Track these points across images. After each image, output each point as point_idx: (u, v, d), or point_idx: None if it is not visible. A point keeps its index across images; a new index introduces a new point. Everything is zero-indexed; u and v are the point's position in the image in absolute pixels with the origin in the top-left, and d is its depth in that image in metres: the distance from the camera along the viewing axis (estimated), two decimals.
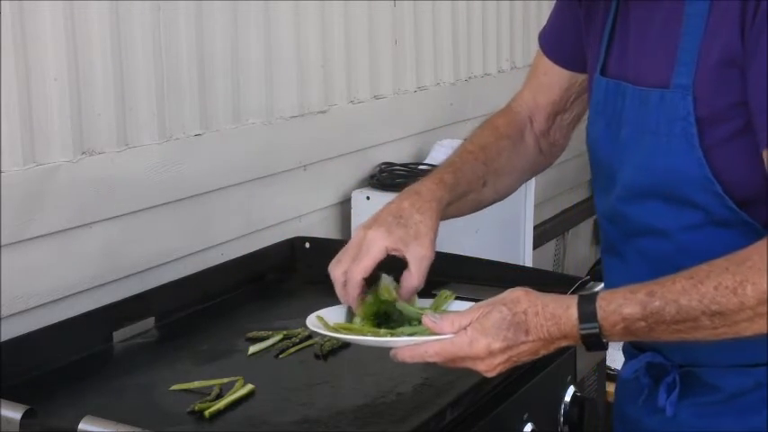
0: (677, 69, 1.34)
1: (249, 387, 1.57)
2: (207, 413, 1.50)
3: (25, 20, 1.81)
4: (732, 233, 1.33)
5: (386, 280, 1.47)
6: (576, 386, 1.78)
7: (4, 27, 1.77)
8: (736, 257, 1.25)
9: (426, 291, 2.03)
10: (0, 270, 1.79)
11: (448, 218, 1.55)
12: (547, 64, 1.69)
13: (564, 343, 1.31)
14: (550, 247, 3.87)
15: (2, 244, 1.79)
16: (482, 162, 1.61)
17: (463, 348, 1.30)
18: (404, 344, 1.35)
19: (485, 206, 1.67)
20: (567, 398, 1.76)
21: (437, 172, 1.58)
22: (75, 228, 1.94)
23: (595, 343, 1.29)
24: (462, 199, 1.58)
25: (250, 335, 1.81)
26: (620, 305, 1.27)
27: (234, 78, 2.31)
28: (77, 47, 1.92)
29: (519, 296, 1.32)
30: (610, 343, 1.32)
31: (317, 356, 1.74)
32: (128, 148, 2.04)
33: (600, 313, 1.27)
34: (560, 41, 1.67)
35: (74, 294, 1.94)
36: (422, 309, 1.46)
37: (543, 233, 3.59)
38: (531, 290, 1.33)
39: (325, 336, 1.37)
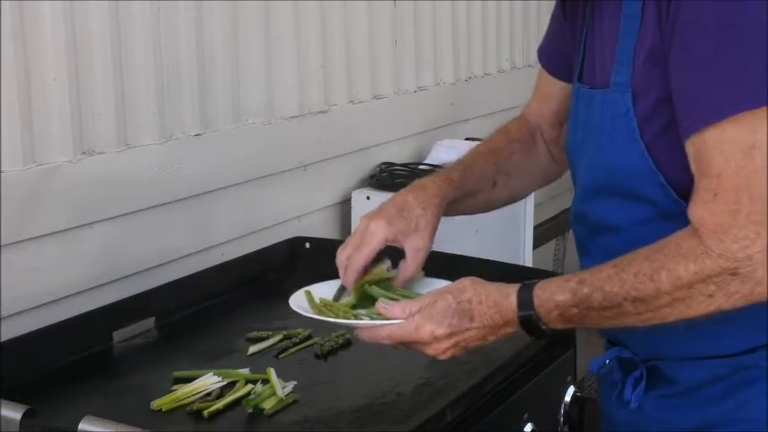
0: (616, 68, 1.40)
1: (249, 387, 1.57)
2: (207, 413, 1.50)
3: (25, 20, 1.82)
4: (679, 226, 1.36)
5: (384, 265, 1.57)
6: (575, 386, 1.78)
7: (4, 27, 1.77)
8: (656, 245, 1.30)
9: None
10: (0, 270, 1.79)
11: (455, 214, 1.65)
12: (545, 75, 1.76)
13: (508, 329, 1.38)
14: (550, 247, 3.86)
15: (2, 244, 1.79)
16: (492, 163, 1.69)
17: (410, 333, 1.39)
18: (364, 326, 1.45)
19: (497, 207, 1.75)
20: (567, 398, 1.76)
21: (446, 170, 1.66)
22: (75, 228, 1.94)
23: (535, 329, 1.36)
24: (470, 197, 1.66)
25: (250, 335, 1.81)
26: (554, 292, 1.34)
27: (234, 78, 2.31)
28: (77, 47, 1.92)
29: (465, 285, 1.40)
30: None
31: (317, 356, 1.74)
32: (128, 148, 2.04)
33: (536, 301, 1.35)
34: (554, 54, 1.73)
35: (74, 294, 1.94)
36: (386, 293, 1.52)
37: (543, 233, 3.59)
38: (478, 279, 1.41)
39: (300, 313, 1.50)
